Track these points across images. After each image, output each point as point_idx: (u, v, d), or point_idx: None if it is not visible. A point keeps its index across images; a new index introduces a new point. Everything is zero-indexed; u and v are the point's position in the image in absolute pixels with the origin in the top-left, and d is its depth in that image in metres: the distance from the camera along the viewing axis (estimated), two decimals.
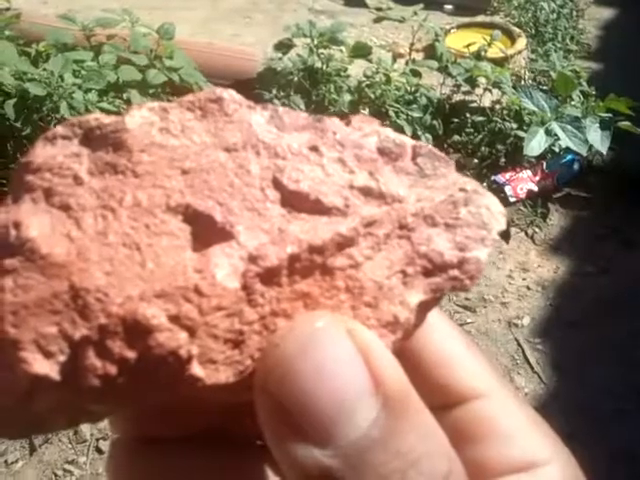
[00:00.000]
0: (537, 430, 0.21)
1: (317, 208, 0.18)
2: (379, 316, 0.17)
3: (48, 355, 0.15)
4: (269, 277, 0.17)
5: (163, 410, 0.19)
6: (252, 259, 0.17)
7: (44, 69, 1.51)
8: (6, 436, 0.19)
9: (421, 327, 0.19)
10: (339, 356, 0.16)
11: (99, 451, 1.28)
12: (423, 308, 0.18)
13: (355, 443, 0.15)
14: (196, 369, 0.16)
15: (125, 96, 1.61)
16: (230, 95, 0.20)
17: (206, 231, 0.17)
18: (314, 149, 0.19)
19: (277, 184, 0.18)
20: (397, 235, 0.18)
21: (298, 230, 0.17)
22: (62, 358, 0.16)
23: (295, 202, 0.18)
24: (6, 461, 1.26)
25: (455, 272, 0.18)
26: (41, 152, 0.18)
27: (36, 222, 0.17)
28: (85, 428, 1.30)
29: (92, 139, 0.19)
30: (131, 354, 0.15)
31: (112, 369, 0.15)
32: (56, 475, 1.25)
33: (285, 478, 0.16)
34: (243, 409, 0.19)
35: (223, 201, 0.18)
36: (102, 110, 1.52)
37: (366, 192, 0.19)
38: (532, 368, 1.46)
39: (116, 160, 0.18)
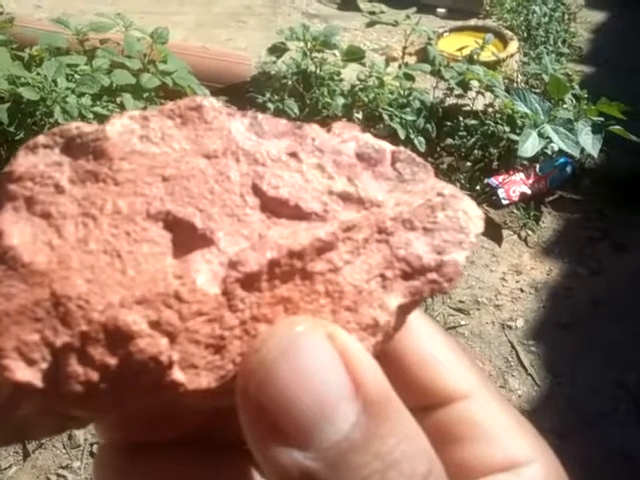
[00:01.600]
0: (520, 430, 0.22)
1: (296, 214, 0.18)
2: (359, 320, 0.17)
3: (30, 362, 0.16)
4: (249, 282, 0.17)
5: (147, 415, 0.19)
6: (232, 265, 0.17)
7: (37, 73, 1.51)
8: None
9: (404, 329, 0.19)
10: (319, 360, 0.16)
11: (93, 456, 1.28)
12: (403, 311, 0.18)
13: (336, 445, 0.15)
14: (177, 374, 0.16)
15: (119, 100, 1.61)
16: (210, 103, 0.20)
17: (186, 238, 0.17)
18: (293, 155, 0.19)
19: (257, 190, 0.18)
20: (376, 239, 0.18)
21: (277, 235, 0.18)
22: (44, 365, 0.16)
23: (275, 208, 0.18)
24: None
25: (434, 275, 0.18)
26: (23, 161, 0.19)
27: (17, 231, 0.17)
28: (79, 433, 1.29)
29: (73, 148, 0.19)
30: (112, 360, 0.16)
31: (94, 375, 0.16)
32: None
33: None
34: (225, 413, 0.20)
35: (203, 207, 0.18)
36: (95, 115, 1.52)
37: (345, 197, 0.19)
38: (526, 370, 1.47)
39: (97, 168, 0.18)
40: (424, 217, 0.19)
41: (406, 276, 0.18)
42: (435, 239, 0.18)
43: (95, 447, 1.29)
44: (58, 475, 1.25)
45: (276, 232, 0.18)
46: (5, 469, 1.25)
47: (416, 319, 0.22)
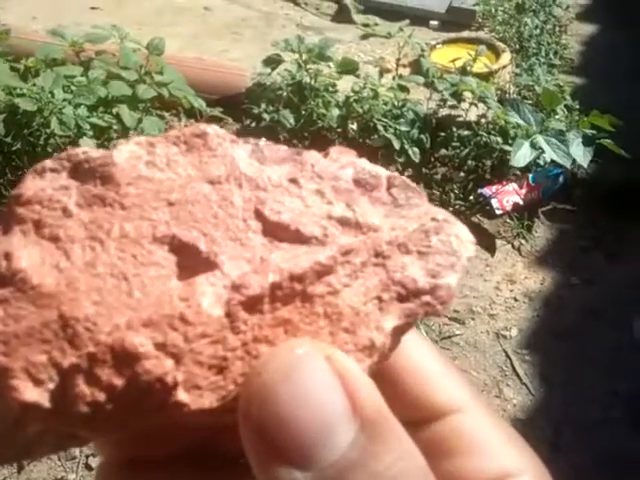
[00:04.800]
0: (512, 443, 0.22)
1: (297, 238, 0.19)
2: (356, 341, 0.18)
3: (38, 383, 0.16)
4: (251, 305, 0.17)
5: (146, 432, 0.19)
6: (235, 288, 0.17)
7: (34, 84, 1.51)
8: None
9: (400, 347, 0.20)
10: (318, 382, 0.16)
11: (89, 468, 1.27)
12: (398, 332, 0.19)
13: (335, 464, 0.16)
14: (181, 395, 0.16)
15: (115, 111, 1.61)
16: (214, 130, 0.20)
17: (191, 261, 0.18)
18: (294, 181, 0.20)
19: (259, 215, 0.19)
20: (373, 263, 0.19)
21: (279, 259, 0.18)
22: (51, 386, 0.16)
23: (276, 232, 0.19)
24: None
25: (428, 298, 0.19)
26: (31, 185, 0.19)
27: (26, 253, 0.17)
28: None
29: (80, 172, 0.19)
30: (119, 381, 0.16)
31: (100, 396, 0.16)
32: None
33: None
34: (225, 429, 0.20)
35: (207, 231, 0.18)
36: (92, 125, 1.52)
37: (343, 222, 0.19)
38: (520, 379, 1.47)
39: (104, 193, 0.19)
40: (418, 241, 0.19)
41: (401, 299, 0.19)
42: (429, 263, 0.19)
43: (91, 459, 1.28)
44: None
45: (277, 256, 0.18)
46: None
47: (410, 335, 0.22)
